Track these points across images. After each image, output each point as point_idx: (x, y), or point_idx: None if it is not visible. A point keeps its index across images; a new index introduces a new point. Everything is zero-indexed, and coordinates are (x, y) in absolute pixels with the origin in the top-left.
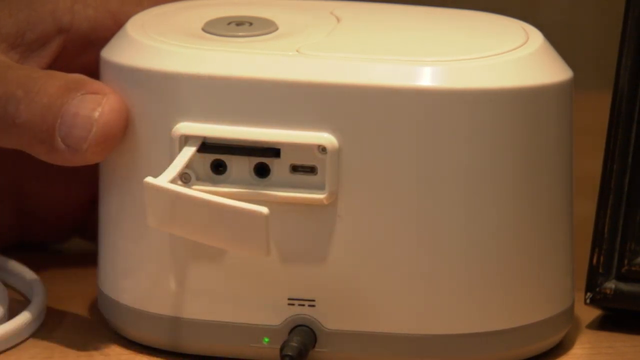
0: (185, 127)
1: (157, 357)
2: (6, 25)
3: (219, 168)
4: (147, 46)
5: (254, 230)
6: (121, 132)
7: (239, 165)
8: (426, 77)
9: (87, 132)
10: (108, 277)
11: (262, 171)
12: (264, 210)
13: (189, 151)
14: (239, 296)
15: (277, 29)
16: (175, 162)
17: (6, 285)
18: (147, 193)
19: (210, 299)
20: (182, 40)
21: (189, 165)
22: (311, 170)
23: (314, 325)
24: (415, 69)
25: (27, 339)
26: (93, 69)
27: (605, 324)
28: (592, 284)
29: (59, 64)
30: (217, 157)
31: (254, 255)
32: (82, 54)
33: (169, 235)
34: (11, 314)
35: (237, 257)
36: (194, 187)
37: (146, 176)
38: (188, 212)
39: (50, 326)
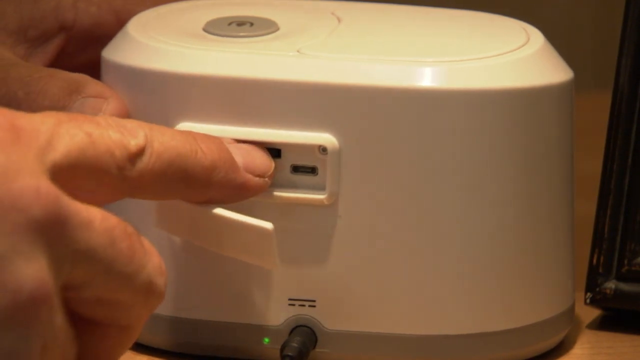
0: (186, 127)
1: (157, 357)
2: (11, 22)
3: None
4: (148, 46)
5: (261, 244)
6: None
7: None
8: (426, 78)
9: None
10: None
11: None
12: (269, 225)
13: None
14: (239, 296)
15: (277, 29)
16: None
17: None
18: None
19: (210, 299)
20: (183, 40)
21: None
22: (312, 170)
23: (315, 326)
24: (415, 69)
25: None
26: (95, 66)
27: (605, 324)
28: (592, 284)
29: (61, 60)
30: None
31: (263, 266)
32: (85, 50)
33: (169, 235)
34: None
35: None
36: None
37: None
38: (199, 221)
39: None
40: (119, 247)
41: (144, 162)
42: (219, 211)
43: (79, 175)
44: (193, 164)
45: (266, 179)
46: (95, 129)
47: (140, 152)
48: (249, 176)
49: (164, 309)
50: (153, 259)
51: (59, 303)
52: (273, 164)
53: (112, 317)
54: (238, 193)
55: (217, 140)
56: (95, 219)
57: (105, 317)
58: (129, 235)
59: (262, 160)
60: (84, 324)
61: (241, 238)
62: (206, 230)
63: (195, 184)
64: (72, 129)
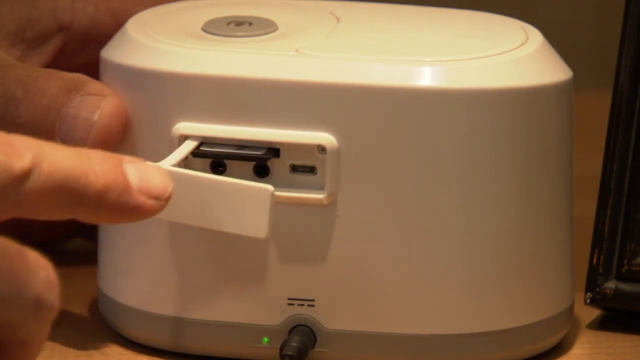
0: (185, 127)
1: (157, 357)
2: (8, 23)
3: (218, 168)
4: (147, 46)
5: (255, 210)
6: (120, 134)
7: (239, 165)
8: (426, 77)
9: (87, 134)
10: (108, 277)
11: (261, 171)
12: (269, 187)
13: (190, 144)
14: (238, 296)
15: (276, 29)
16: (177, 151)
17: None
18: None
19: (210, 299)
20: (182, 40)
21: (188, 165)
22: (311, 170)
23: (314, 325)
24: (415, 69)
25: None
26: (93, 67)
27: (605, 324)
28: (592, 284)
29: (59, 61)
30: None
31: (251, 235)
32: (83, 51)
33: (169, 235)
34: None
35: (237, 257)
36: None
37: None
38: (188, 194)
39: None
40: None
41: (29, 185)
42: (216, 177)
43: None
44: (84, 185)
45: (162, 201)
46: None
47: (25, 175)
48: (143, 199)
49: (164, 308)
50: (40, 273)
51: None
52: (170, 187)
53: (6, 335)
54: (131, 215)
55: (113, 161)
56: None
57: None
58: (8, 256)
59: (159, 183)
60: None
61: (236, 205)
62: (197, 205)
63: (87, 205)
64: None
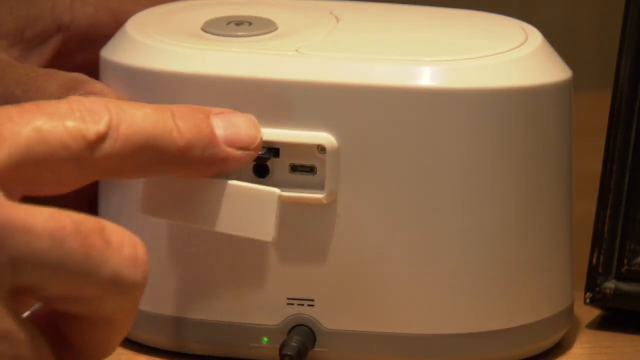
0: None
1: (157, 357)
2: (7, 23)
3: None
4: (147, 46)
5: (263, 213)
6: None
7: None
8: (425, 77)
9: None
10: None
11: (261, 171)
12: (277, 191)
13: None
14: (238, 296)
15: (276, 29)
16: None
17: None
18: (147, 179)
19: (210, 299)
20: (182, 40)
21: None
22: (311, 170)
23: (314, 325)
24: (415, 69)
25: None
26: (93, 67)
27: (605, 324)
28: (592, 284)
29: (58, 61)
30: None
31: (257, 239)
32: (82, 51)
33: (169, 235)
34: None
35: (237, 257)
36: None
37: None
38: (195, 197)
39: None
40: (69, 247)
41: (106, 149)
42: (223, 180)
43: (29, 172)
44: (167, 143)
45: (251, 152)
46: (48, 121)
47: (101, 139)
48: (230, 150)
49: (164, 308)
50: (122, 251)
51: (7, 308)
52: (260, 135)
53: (86, 310)
54: (219, 168)
55: (198, 115)
56: (36, 223)
57: (80, 311)
58: (84, 234)
59: (247, 132)
60: (65, 319)
61: (242, 208)
62: (201, 206)
63: (171, 163)
64: (19, 127)
